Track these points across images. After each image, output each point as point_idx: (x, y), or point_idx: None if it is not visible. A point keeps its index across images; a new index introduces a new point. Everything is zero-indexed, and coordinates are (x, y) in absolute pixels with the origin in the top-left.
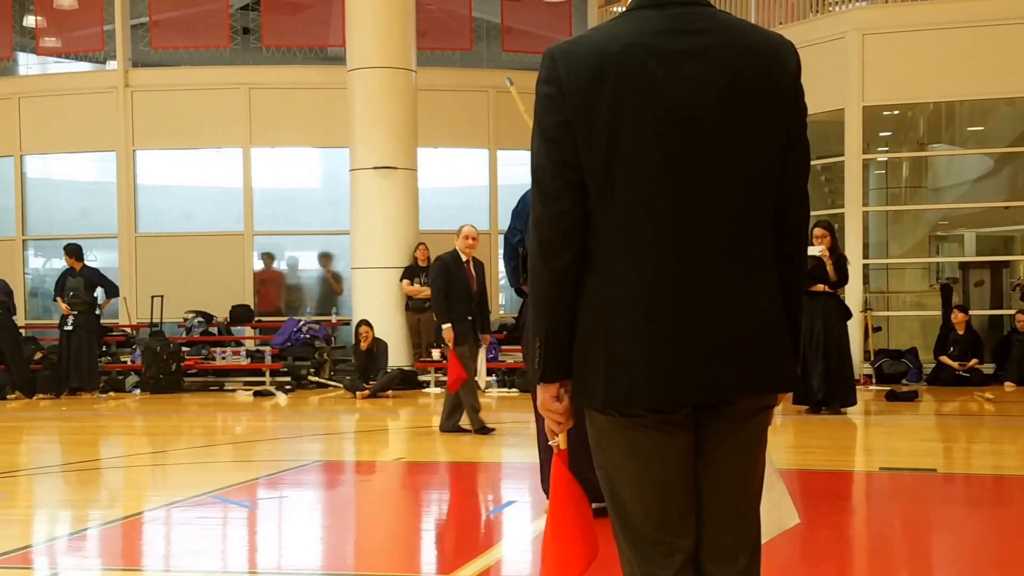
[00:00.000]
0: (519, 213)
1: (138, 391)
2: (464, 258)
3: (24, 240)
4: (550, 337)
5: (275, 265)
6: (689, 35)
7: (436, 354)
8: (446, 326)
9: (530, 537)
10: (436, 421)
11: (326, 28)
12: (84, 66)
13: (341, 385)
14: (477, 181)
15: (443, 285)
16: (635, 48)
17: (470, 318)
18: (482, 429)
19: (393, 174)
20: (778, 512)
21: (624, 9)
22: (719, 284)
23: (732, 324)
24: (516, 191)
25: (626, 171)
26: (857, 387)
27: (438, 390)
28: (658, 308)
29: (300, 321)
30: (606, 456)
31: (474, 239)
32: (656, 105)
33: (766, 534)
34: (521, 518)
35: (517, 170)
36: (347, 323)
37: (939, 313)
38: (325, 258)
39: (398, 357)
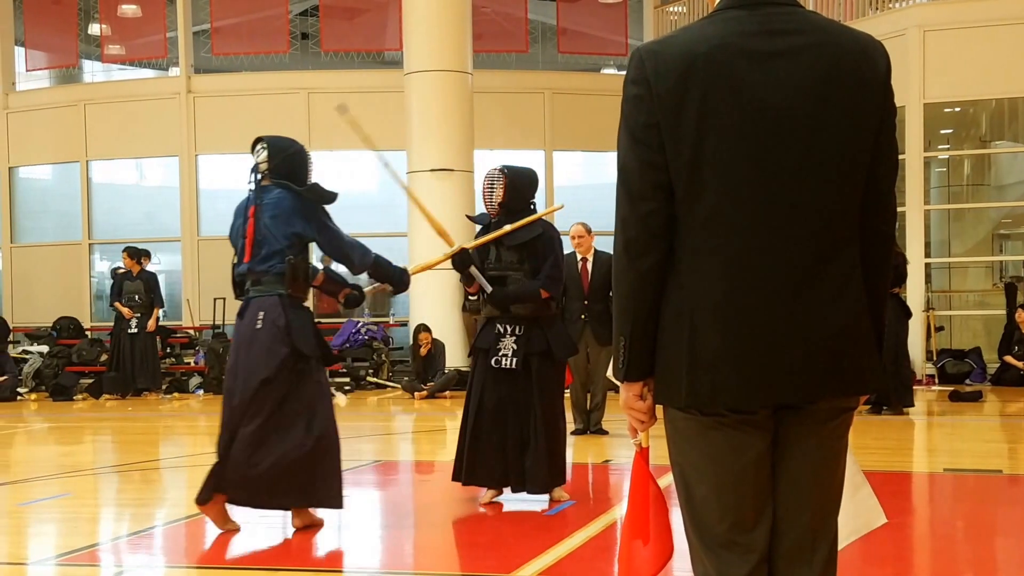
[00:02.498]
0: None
1: (201, 392)
2: (579, 256)
3: (90, 244)
4: (634, 336)
5: (333, 267)
6: (779, 36)
7: None
8: None
9: (587, 538)
10: None
11: (383, 32)
12: (147, 73)
13: (399, 386)
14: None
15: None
16: (725, 49)
17: (583, 317)
18: (578, 431)
19: (450, 176)
20: (865, 512)
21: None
22: (804, 285)
23: (816, 325)
24: (572, 192)
25: (714, 172)
26: (920, 388)
27: None
28: (743, 309)
29: (358, 323)
30: (683, 455)
31: (580, 237)
32: (745, 106)
33: (853, 533)
34: (579, 518)
35: (573, 171)
36: (404, 324)
37: (1003, 312)
38: None
39: (455, 358)
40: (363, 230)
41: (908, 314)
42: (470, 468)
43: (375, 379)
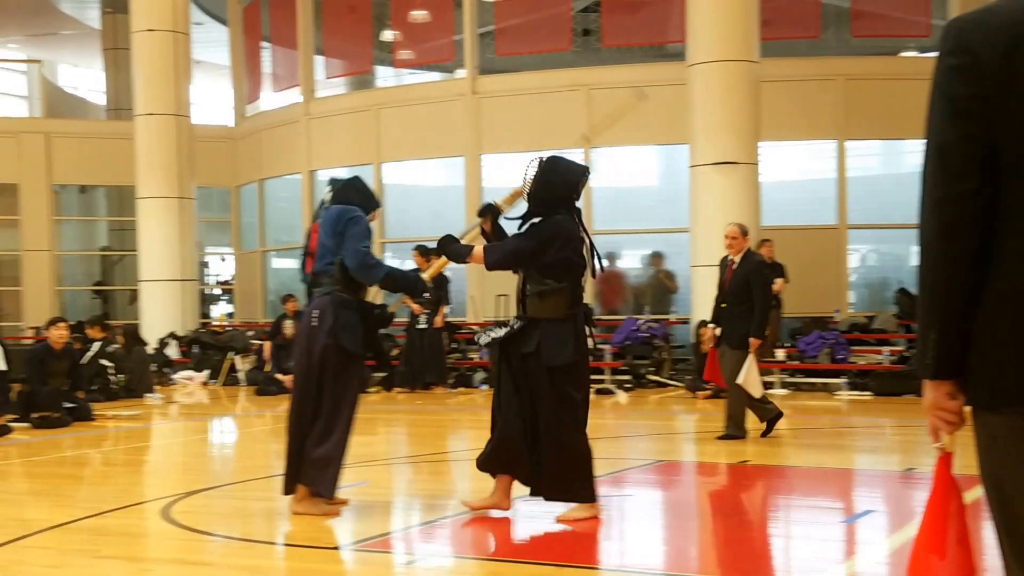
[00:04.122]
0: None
1: (485, 387)
2: (730, 258)
3: (382, 243)
4: (948, 329)
5: (617, 264)
6: None
7: (780, 354)
8: (709, 326)
9: (888, 550)
10: (781, 424)
11: (665, 24)
12: (435, 76)
13: (681, 385)
14: (824, 174)
15: (718, 286)
16: None
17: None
18: (727, 436)
19: (734, 170)
20: None
21: None
22: None
23: None
24: (868, 183)
25: None
26: None
27: (782, 391)
28: None
29: (639, 320)
30: (1001, 465)
31: (733, 238)
32: None
33: None
34: (878, 529)
35: (868, 161)
36: (686, 322)
37: None
38: (656, 257)
39: None
40: (642, 225)
41: None
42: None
43: (656, 377)
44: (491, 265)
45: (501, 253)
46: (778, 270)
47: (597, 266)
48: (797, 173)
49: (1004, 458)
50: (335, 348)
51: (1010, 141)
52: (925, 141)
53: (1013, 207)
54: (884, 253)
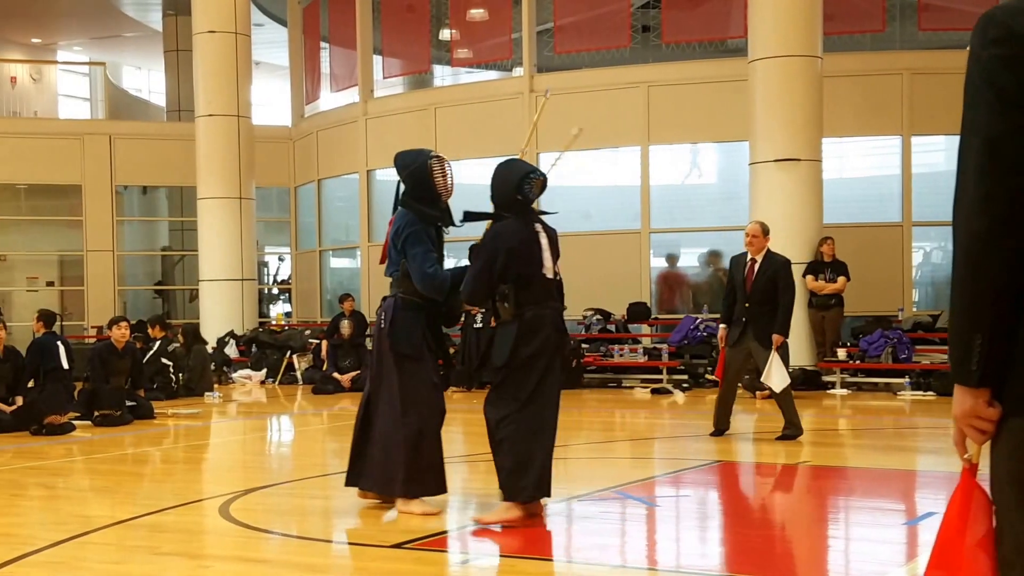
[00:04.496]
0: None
1: None
2: (749, 257)
3: None
4: (996, 334)
5: (677, 264)
6: None
7: (841, 353)
8: (721, 326)
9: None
10: (842, 424)
11: (726, 20)
12: (492, 74)
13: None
14: (888, 170)
15: (727, 284)
16: None
17: (744, 319)
18: (717, 432)
19: (795, 166)
20: None
21: None
22: None
23: None
24: (932, 179)
25: None
26: None
27: (843, 391)
28: None
29: (697, 319)
30: None
31: (754, 236)
32: None
33: None
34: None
35: (934, 157)
36: None
37: None
38: (714, 255)
39: (800, 356)
40: (701, 223)
41: None
42: None
43: (714, 377)
44: (466, 303)
45: (466, 295)
46: (840, 268)
47: (548, 265)
48: (861, 169)
49: None
50: (392, 351)
51: None
52: (963, 137)
53: None
54: (949, 251)
